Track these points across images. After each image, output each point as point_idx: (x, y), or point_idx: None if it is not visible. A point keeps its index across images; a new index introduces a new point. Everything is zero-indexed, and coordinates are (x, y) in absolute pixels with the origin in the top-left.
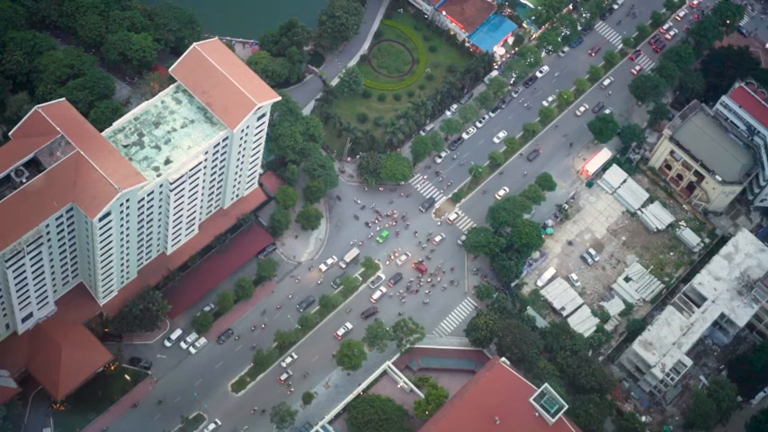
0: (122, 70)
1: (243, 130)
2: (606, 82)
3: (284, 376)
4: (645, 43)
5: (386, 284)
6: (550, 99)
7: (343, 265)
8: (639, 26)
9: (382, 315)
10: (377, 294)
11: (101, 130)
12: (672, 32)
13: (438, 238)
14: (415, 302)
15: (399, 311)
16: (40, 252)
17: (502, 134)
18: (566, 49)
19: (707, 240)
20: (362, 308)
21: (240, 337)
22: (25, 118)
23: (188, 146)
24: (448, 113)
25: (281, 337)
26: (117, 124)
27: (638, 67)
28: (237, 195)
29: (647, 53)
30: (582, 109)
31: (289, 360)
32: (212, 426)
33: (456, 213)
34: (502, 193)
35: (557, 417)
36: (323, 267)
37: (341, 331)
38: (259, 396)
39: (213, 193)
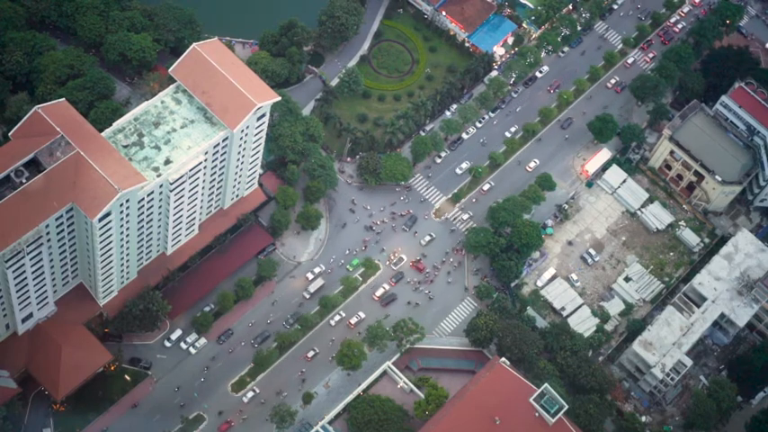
0: (122, 70)
1: (243, 131)
2: (630, 60)
3: (311, 354)
4: (654, 35)
5: (387, 283)
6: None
7: (308, 296)
8: (639, 26)
9: (400, 302)
10: (380, 292)
11: (101, 131)
12: (680, 26)
13: (466, 216)
14: (429, 292)
15: (416, 300)
16: (40, 252)
17: (465, 165)
18: (565, 49)
19: (707, 240)
20: (384, 289)
21: (244, 338)
22: (25, 118)
23: (188, 146)
24: (448, 113)
25: (281, 338)
26: (117, 124)
27: (651, 55)
28: (237, 195)
29: (656, 45)
30: (612, 81)
31: (338, 317)
32: (251, 394)
33: (489, 184)
34: (533, 165)
35: (557, 417)
36: (309, 275)
37: (354, 319)
38: (294, 366)
39: (213, 193)
